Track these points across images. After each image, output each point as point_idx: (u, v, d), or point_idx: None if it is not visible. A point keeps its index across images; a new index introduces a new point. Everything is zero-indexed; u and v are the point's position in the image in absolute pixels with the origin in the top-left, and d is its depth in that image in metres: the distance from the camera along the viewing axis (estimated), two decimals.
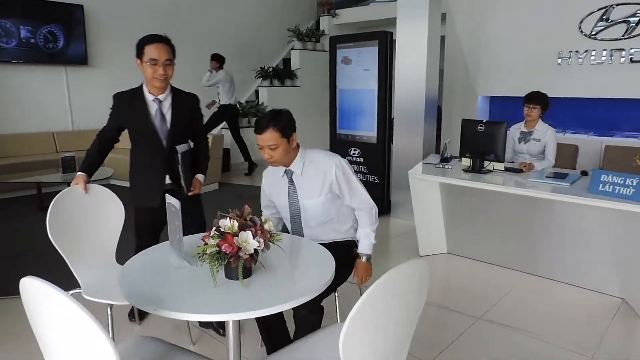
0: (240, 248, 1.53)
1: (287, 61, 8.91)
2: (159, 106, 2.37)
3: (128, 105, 2.37)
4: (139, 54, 2.29)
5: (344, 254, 2.16)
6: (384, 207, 4.93)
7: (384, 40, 4.65)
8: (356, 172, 5.05)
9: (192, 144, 2.55)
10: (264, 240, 1.58)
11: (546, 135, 3.73)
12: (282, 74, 8.33)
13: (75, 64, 6.65)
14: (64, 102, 6.66)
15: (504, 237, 3.51)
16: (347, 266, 2.21)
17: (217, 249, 1.52)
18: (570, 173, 3.34)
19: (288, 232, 2.34)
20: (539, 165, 3.57)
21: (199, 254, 1.56)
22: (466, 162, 3.57)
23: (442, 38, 5.21)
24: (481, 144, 3.42)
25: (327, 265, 1.75)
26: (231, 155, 7.43)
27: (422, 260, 1.37)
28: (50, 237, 2.13)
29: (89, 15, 6.70)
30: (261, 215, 1.69)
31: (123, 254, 2.09)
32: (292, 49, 8.63)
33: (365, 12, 8.14)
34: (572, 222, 3.15)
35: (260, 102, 8.12)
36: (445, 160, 3.80)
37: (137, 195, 2.49)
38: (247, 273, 1.62)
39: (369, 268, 2.26)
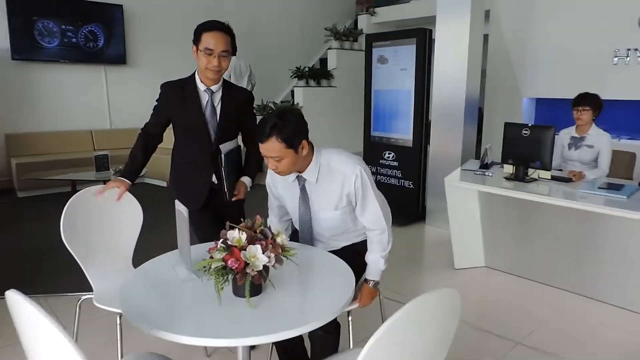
0: (248, 264, 1.38)
1: (323, 61, 8.76)
2: (210, 97, 2.21)
3: (178, 95, 2.20)
4: (196, 40, 2.13)
5: (360, 258, 1.95)
6: (419, 214, 4.69)
7: (422, 38, 4.42)
8: (390, 177, 4.88)
9: (239, 142, 2.35)
10: (275, 255, 1.43)
11: (600, 142, 3.41)
12: (318, 74, 8.19)
13: (114, 64, 6.74)
14: (103, 101, 6.76)
15: (548, 252, 3.22)
16: (361, 272, 1.98)
17: (223, 263, 1.38)
18: (627, 184, 3.02)
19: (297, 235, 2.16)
20: (590, 174, 3.26)
21: (204, 267, 1.42)
22: (508, 169, 3.30)
23: (485, 36, 4.92)
24: (526, 150, 3.15)
25: (346, 283, 1.57)
26: None
27: (453, 290, 1.17)
28: (63, 239, 2.06)
29: (128, 14, 6.78)
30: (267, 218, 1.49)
31: (141, 259, 1.98)
32: (329, 48, 8.47)
33: (405, 10, 7.89)
34: (627, 239, 2.84)
35: (295, 103, 8.01)
36: (485, 166, 3.54)
37: (180, 196, 2.18)
38: (256, 291, 1.47)
39: (375, 294, 2.00)
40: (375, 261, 1.94)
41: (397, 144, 4.81)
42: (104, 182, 4.93)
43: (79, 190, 2.30)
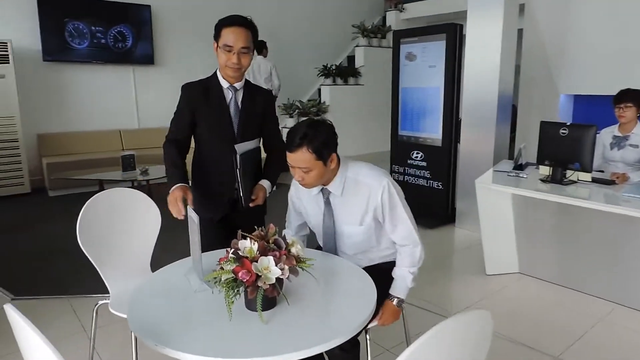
0: (260, 276, 1.28)
1: (351, 59, 8.63)
2: (234, 95, 2.11)
3: (201, 94, 2.09)
4: (216, 35, 2.02)
5: (385, 279, 1.82)
6: (448, 216, 4.51)
7: (452, 34, 4.24)
8: (418, 177, 4.72)
9: (259, 143, 2.22)
10: (290, 267, 1.33)
11: None
12: (346, 72, 8.06)
13: (143, 64, 6.79)
14: (131, 100, 6.83)
15: (589, 259, 3.02)
16: (385, 293, 1.84)
17: (233, 275, 1.29)
18: None
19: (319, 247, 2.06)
20: (635, 176, 3.04)
21: (215, 279, 1.34)
22: (544, 170, 3.11)
23: (519, 31, 4.69)
24: (564, 151, 2.95)
25: (367, 296, 1.46)
26: None
27: (484, 312, 1.04)
28: (79, 242, 2.02)
29: (156, 15, 6.82)
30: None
31: (159, 263, 1.92)
32: (356, 46, 8.33)
33: (434, 5, 7.67)
34: None
35: (322, 101, 7.91)
36: (519, 167, 3.36)
37: (201, 204, 2.07)
38: (270, 304, 1.38)
39: (398, 313, 1.84)
40: (403, 276, 1.81)
41: (425, 143, 4.65)
42: (132, 182, 4.97)
43: (106, 190, 2.26)
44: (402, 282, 1.81)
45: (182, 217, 1.78)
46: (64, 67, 6.24)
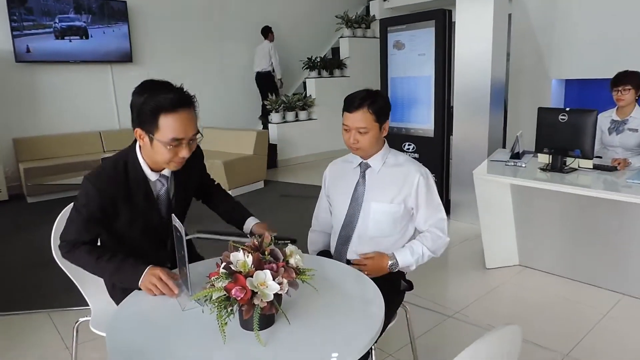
0: (256, 293, 1.14)
1: (335, 50, 8.47)
2: (166, 184, 1.62)
3: (120, 192, 1.53)
4: (147, 124, 1.44)
5: (389, 288, 1.70)
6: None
7: (441, 20, 4.11)
8: None
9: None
10: (289, 280, 1.18)
11: None
12: (331, 63, 7.91)
13: (120, 62, 6.56)
14: (111, 100, 6.60)
15: (591, 248, 2.93)
16: (390, 306, 1.71)
17: (225, 293, 1.15)
18: None
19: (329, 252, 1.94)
20: (636, 161, 2.95)
21: (205, 297, 1.19)
22: (543, 158, 3.00)
23: (509, 17, 4.59)
24: (563, 138, 2.85)
25: (375, 310, 1.32)
26: (278, 150, 7.12)
27: (515, 327, 0.91)
28: (54, 256, 1.86)
29: (132, 10, 6.58)
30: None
31: None
32: (340, 37, 8.17)
33: None
34: None
35: (307, 95, 7.75)
36: (516, 156, 3.25)
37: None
38: (268, 322, 1.23)
39: (384, 272, 1.76)
40: (414, 250, 1.80)
41: (417, 134, 4.53)
42: None
43: None
44: (410, 252, 1.79)
45: (177, 294, 1.40)
46: (38, 67, 5.99)
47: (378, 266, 1.76)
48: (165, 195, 1.64)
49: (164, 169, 1.59)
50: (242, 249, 1.21)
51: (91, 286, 1.92)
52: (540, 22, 5.21)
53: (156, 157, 1.50)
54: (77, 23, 6.14)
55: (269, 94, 7.33)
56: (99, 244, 1.67)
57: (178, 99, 1.44)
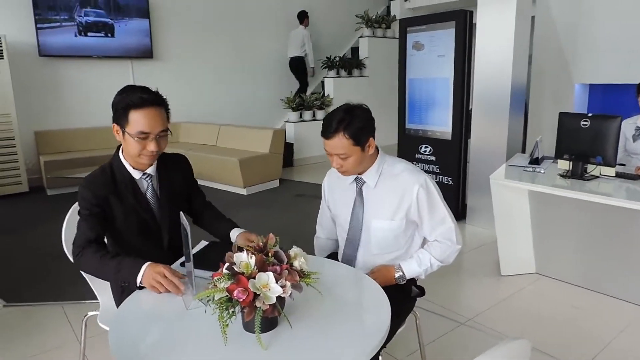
0: (258, 295, 1.12)
1: (355, 50, 8.42)
2: (150, 182, 1.72)
3: (111, 191, 1.66)
4: (120, 119, 1.60)
5: (400, 294, 1.68)
6: (458, 213, 4.34)
7: (462, 21, 4.04)
8: (427, 172, 4.51)
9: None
10: (292, 283, 1.16)
11: None
12: (350, 63, 7.86)
13: (141, 57, 6.63)
14: None
15: (612, 259, 2.84)
16: (400, 312, 1.71)
17: (227, 295, 1.13)
18: None
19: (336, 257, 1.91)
20: None
21: (207, 297, 1.17)
22: (564, 165, 2.92)
23: (532, 19, 4.48)
24: (585, 144, 2.76)
25: (380, 315, 1.29)
26: (294, 149, 7.11)
27: (523, 341, 0.87)
28: (65, 250, 1.88)
29: (154, 7, 6.65)
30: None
31: None
32: (360, 36, 8.12)
33: None
34: None
35: (325, 94, 7.72)
36: (535, 161, 3.17)
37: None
38: (270, 325, 1.22)
39: (390, 283, 1.71)
40: (421, 260, 1.73)
41: (434, 136, 4.46)
42: None
43: None
44: (417, 263, 1.74)
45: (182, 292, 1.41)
46: (61, 62, 6.09)
47: (385, 279, 1.70)
48: (152, 193, 1.74)
49: (146, 167, 1.70)
50: (245, 249, 1.19)
51: (100, 281, 1.93)
52: (564, 25, 5.09)
53: (130, 149, 1.63)
54: (104, 19, 6.23)
55: (301, 83, 7.71)
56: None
57: (147, 99, 1.59)
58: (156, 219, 1.73)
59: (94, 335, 2.22)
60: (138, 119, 1.57)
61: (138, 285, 1.47)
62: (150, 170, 1.72)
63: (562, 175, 2.86)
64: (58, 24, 5.93)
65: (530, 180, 2.88)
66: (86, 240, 1.59)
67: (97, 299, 1.94)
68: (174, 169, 1.82)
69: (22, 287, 3.12)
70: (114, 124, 1.64)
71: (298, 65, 7.71)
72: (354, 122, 1.59)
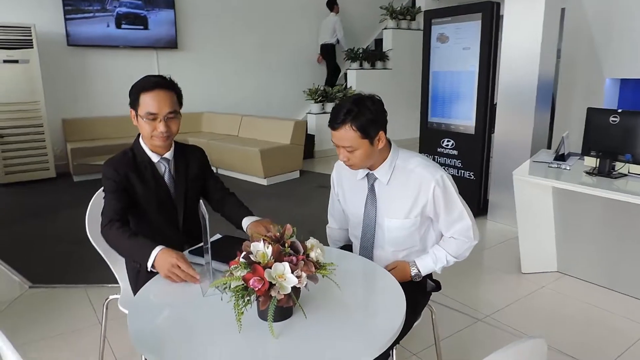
0: (274, 284, 1.13)
1: (379, 42, 8.34)
2: (167, 166, 1.81)
3: (133, 172, 1.74)
4: (133, 102, 1.71)
5: (415, 288, 1.66)
6: (480, 208, 4.28)
7: (488, 13, 3.95)
8: (449, 166, 4.47)
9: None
10: (307, 274, 1.16)
11: None
12: (373, 55, 7.79)
13: (166, 48, 6.70)
14: None
15: (637, 259, 2.76)
16: (415, 307, 1.68)
17: (244, 283, 1.14)
18: None
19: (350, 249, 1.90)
20: None
21: (223, 285, 1.18)
22: (590, 162, 2.85)
23: (562, 11, 4.35)
24: (613, 140, 2.68)
25: (395, 308, 1.29)
26: (316, 141, 7.11)
27: (539, 340, 0.86)
28: (88, 234, 1.92)
29: None
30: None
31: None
32: (384, 28, 8.03)
33: None
34: None
35: (348, 86, 7.68)
36: (561, 158, 3.10)
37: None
38: (285, 314, 1.22)
39: (407, 279, 1.69)
40: (437, 257, 1.70)
41: (457, 130, 4.40)
42: None
43: None
44: (432, 260, 1.70)
45: (199, 280, 1.43)
46: (88, 51, 6.21)
47: (401, 276, 1.66)
48: (169, 176, 1.82)
49: (163, 152, 1.79)
50: (263, 239, 1.19)
51: (121, 265, 1.98)
52: (596, 18, 4.92)
53: (143, 131, 1.73)
54: (138, 11, 6.31)
55: (333, 69, 7.94)
56: None
57: (157, 81, 1.69)
58: (172, 201, 1.81)
59: (115, 318, 2.27)
60: (147, 101, 1.67)
61: (149, 269, 1.50)
62: (168, 155, 1.80)
63: (588, 173, 2.79)
64: (91, 14, 6.04)
65: (554, 177, 2.82)
66: (114, 212, 1.66)
67: (118, 282, 1.98)
68: (190, 157, 1.90)
69: (48, 270, 3.21)
70: (131, 109, 1.74)
71: (329, 52, 7.86)
72: (362, 114, 1.50)
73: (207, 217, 1.35)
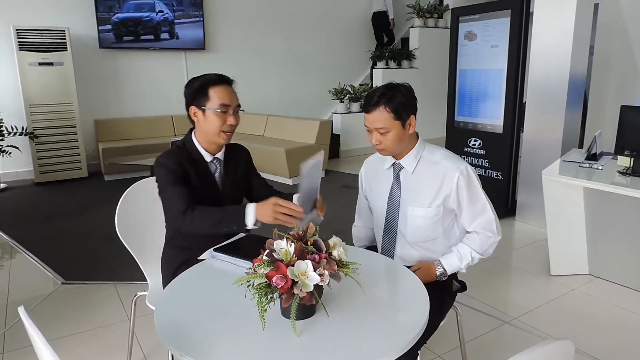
0: (296, 282, 1.13)
1: (405, 41, 8.28)
2: (219, 167, 1.83)
3: (190, 166, 1.75)
4: (198, 99, 1.71)
5: (441, 289, 1.65)
6: (508, 209, 4.19)
7: (518, 10, 3.87)
8: (476, 166, 4.40)
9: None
10: (330, 272, 1.17)
11: None
12: (399, 54, 7.74)
13: (194, 49, 6.81)
14: (183, 86, 6.85)
15: None
16: (441, 306, 1.67)
17: (267, 280, 1.15)
18: None
19: (376, 248, 1.90)
20: None
21: (247, 282, 1.20)
22: (624, 161, 2.76)
23: (595, 6, 4.23)
24: None
25: (418, 309, 1.27)
26: (341, 141, 7.10)
27: (566, 342, 0.84)
28: (118, 232, 1.97)
29: (207, 0, 6.80)
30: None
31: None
32: (411, 27, 7.96)
33: None
34: None
35: (374, 86, 7.64)
36: (592, 157, 3.01)
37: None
38: (308, 312, 1.23)
39: (432, 279, 1.68)
40: (462, 254, 1.69)
41: (485, 129, 4.32)
42: None
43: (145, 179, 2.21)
44: (457, 258, 1.70)
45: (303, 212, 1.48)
46: (119, 53, 6.37)
47: (426, 276, 1.66)
48: (219, 176, 1.84)
49: (216, 152, 1.81)
50: (286, 237, 1.20)
51: (150, 262, 2.02)
52: (631, 12, 4.76)
53: (208, 128, 1.72)
54: (166, 17, 6.44)
55: (383, 37, 8.11)
56: None
57: (222, 77, 1.74)
58: (220, 200, 1.80)
59: (144, 315, 2.34)
60: (218, 93, 1.69)
61: (250, 226, 1.54)
62: (220, 155, 1.83)
63: (621, 173, 2.71)
64: (117, 18, 6.19)
65: (586, 177, 2.74)
66: (186, 200, 1.63)
67: (146, 280, 2.03)
68: (238, 156, 1.93)
69: (79, 267, 3.31)
70: (191, 106, 1.74)
71: (380, 19, 7.99)
72: (396, 97, 1.59)
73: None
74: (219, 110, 1.69)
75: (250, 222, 1.53)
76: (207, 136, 1.75)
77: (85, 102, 6.05)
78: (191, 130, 1.83)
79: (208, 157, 1.80)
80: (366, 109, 1.63)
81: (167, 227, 1.89)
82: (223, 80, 1.72)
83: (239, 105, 1.76)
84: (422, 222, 1.71)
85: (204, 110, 1.71)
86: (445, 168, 1.66)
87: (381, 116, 1.59)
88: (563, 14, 3.65)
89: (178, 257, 1.80)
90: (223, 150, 1.84)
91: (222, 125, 1.71)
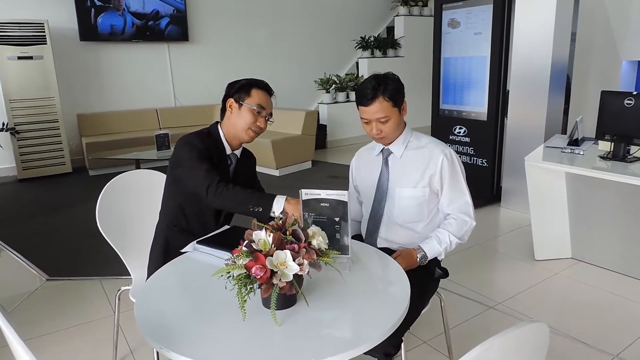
0: (275, 272, 1.13)
1: (390, 30, 8.25)
2: (233, 162, 1.93)
3: (214, 150, 1.82)
4: (241, 94, 1.81)
5: (423, 275, 1.66)
6: (493, 196, 4.23)
7: None
8: (461, 154, 4.42)
9: None
10: (309, 261, 1.17)
11: None
12: (385, 43, 7.72)
13: (177, 41, 6.72)
14: (167, 79, 6.80)
15: None
16: (424, 293, 1.70)
17: (246, 271, 1.15)
18: None
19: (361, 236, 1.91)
20: None
21: (228, 273, 1.19)
22: (605, 146, 2.79)
23: None
24: (628, 124, 2.62)
25: (399, 295, 1.28)
26: (328, 131, 7.09)
27: (542, 325, 0.85)
28: (99, 227, 1.95)
29: None
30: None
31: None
32: (396, 15, 7.94)
33: None
34: None
35: (360, 75, 7.63)
36: (574, 142, 3.04)
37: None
38: (289, 302, 1.23)
39: (414, 265, 1.68)
40: (441, 239, 1.74)
41: (469, 117, 4.34)
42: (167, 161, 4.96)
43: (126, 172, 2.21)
44: (437, 243, 1.74)
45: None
46: (100, 46, 6.26)
47: (408, 262, 1.67)
48: (232, 171, 1.92)
49: (236, 148, 1.90)
50: (265, 228, 1.20)
51: (133, 256, 2.01)
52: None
53: (239, 122, 1.80)
54: (137, 5, 6.33)
55: None
56: None
57: (267, 85, 1.87)
58: None
59: (129, 309, 2.32)
60: (260, 95, 1.81)
61: (274, 214, 1.57)
62: (238, 152, 1.93)
63: (602, 157, 2.74)
64: (98, 10, 6.08)
65: (567, 162, 2.77)
66: (215, 173, 1.69)
67: (130, 274, 2.01)
68: (249, 160, 2.04)
69: (64, 263, 3.28)
70: (230, 99, 1.83)
71: None
72: (389, 85, 1.67)
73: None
74: (255, 108, 1.79)
75: (277, 210, 1.58)
76: (235, 129, 1.83)
77: (68, 96, 5.95)
78: (216, 122, 1.91)
79: (228, 150, 1.88)
80: (364, 102, 1.68)
81: (173, 208, 1.89)
82: (267, 88, 1.85)
83: (271, 114, 1.87)
84: (408, 202, 1.78)
85: (240, 105, 1.80)
86: (431, 151, 1.76)
87: (381, 106, 1.67)
88: (544, 1, 3.66)
89: (175, 241, 1.80)
90: (241, 149, 1.94)
91: (252, 123, 1.80)
